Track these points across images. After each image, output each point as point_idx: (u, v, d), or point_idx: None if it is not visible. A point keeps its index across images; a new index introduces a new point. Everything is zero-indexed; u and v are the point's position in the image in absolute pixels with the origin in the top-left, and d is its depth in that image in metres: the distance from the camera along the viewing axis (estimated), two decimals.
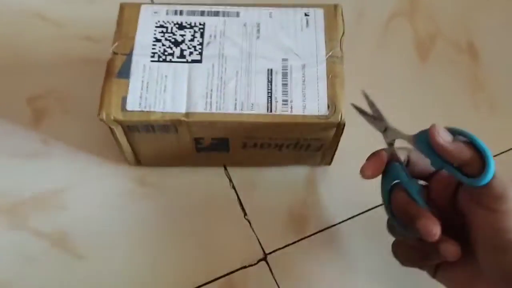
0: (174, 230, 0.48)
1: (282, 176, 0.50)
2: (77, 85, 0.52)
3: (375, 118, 0.41)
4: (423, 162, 0.38)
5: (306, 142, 0.46)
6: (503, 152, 0.52)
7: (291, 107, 0.43)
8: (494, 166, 0.32)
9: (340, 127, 0.43)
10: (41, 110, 0.52)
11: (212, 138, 0.45)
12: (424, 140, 0.36)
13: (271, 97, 0.43)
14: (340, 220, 0.49)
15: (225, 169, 0.50)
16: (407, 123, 0.50)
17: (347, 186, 0.49)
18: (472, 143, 0.34)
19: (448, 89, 0.55)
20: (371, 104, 0.41)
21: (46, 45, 0.55)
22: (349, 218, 0.49)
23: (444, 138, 0.34)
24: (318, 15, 0.47)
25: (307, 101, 0.43)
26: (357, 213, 0.49)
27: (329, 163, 0.50)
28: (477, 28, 0.59)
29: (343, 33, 0.46)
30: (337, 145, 0.46)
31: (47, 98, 0.53)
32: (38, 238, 0.46)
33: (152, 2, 0.51)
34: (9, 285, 0.45)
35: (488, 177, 0.32)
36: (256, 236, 0.48)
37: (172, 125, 0.43)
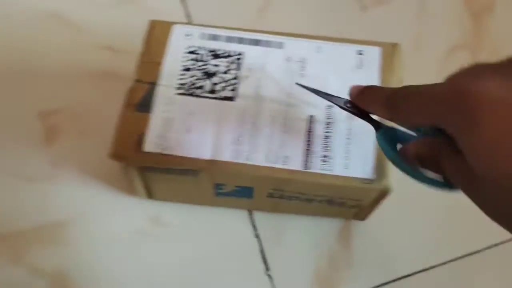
0: (184, 280, 0.43)
1: (313, 227, 0.45)
2: (95, 102, 0.47)
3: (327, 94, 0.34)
4: None
5: (341, 200, 0.40)
6: None
7: (331, 165, 0.37)
8: None
9: (384, 194, 0.37)
10: (53, 128, 0.47)
11: (236, 185, 0.40)
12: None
13: (309, 150, 0.37)
14: (373, 286, 0.43)
15: (250, 213, 0.45)
16: None
17: (384, 245, 0.44)
18: None
19: None
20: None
21: (62, 52, 0.50)
22: (384, 284, 0.43)
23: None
24: (373, 54, 0.40)
25: (351, 159, 0.37)
26: (395, 278, 0.43)
27: (363, 219, 0.44)
28: None
29: (402, 78, 0.39)
30: (376, 206, 0.40)
31: (61, 114, 0.47)
32: (36, 277, 0.42)
33: (190, 23, 0.45)
34: None
35: None
36: None
37: (193, 170, 0.37)
